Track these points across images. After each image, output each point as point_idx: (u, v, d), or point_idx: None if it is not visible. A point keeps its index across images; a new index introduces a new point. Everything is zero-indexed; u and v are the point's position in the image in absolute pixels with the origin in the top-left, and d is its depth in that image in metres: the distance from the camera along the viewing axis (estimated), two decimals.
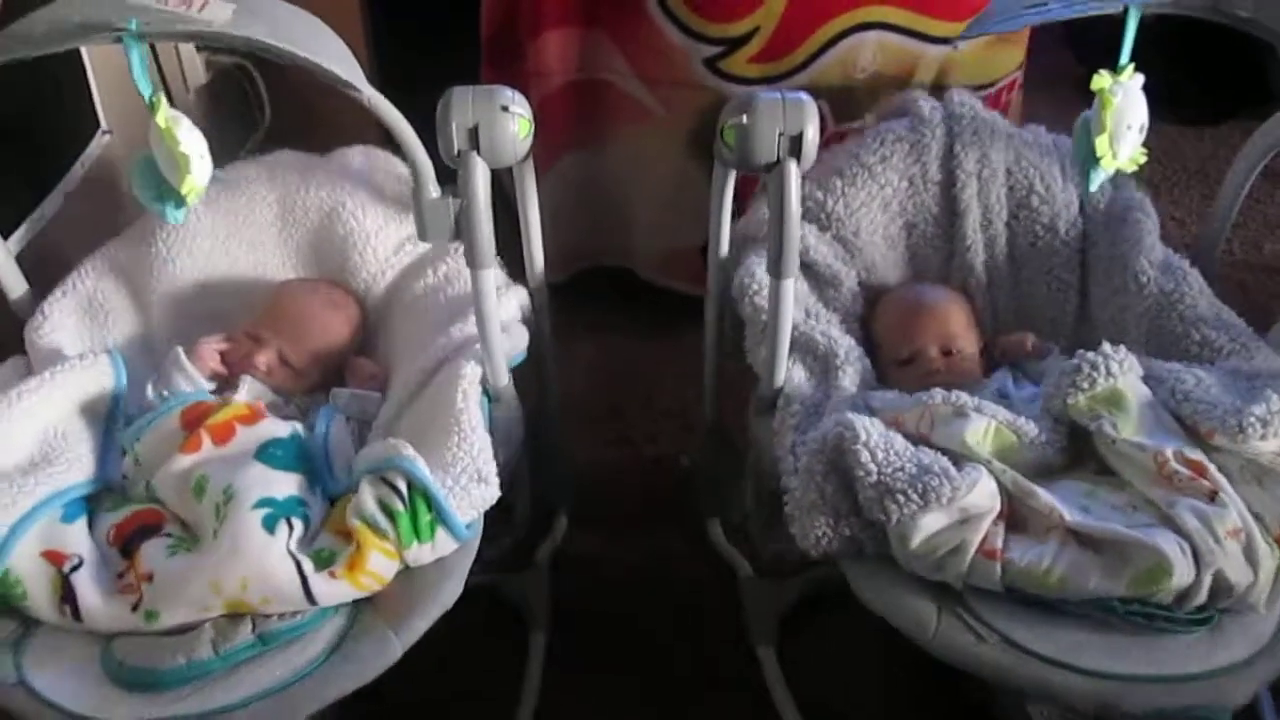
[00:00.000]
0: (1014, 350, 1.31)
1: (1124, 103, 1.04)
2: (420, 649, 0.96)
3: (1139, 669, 0.92)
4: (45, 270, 1.25)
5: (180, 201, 1.00)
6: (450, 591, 0.99)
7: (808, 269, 1.33)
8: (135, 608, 0.94)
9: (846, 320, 1.33)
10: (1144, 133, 1.06)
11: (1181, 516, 0.95)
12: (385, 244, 1.33)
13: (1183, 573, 0.92)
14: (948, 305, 1.34)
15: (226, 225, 1.33)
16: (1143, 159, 1.08)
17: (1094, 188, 1.08)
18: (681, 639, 1.49)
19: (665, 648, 1.48)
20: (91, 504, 1.06)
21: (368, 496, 0.98)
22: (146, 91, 0.94)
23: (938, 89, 1.72)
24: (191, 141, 0.97)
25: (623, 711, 1.41)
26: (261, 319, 1.27)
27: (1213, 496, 0.97)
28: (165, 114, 0.95)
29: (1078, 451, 1.10)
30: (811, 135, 1.01)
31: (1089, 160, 1.07)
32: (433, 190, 1.05)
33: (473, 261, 1.04)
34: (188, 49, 1.80)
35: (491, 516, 1.06)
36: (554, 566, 1.55)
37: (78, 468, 1.06)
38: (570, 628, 1.48)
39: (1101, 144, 1.05)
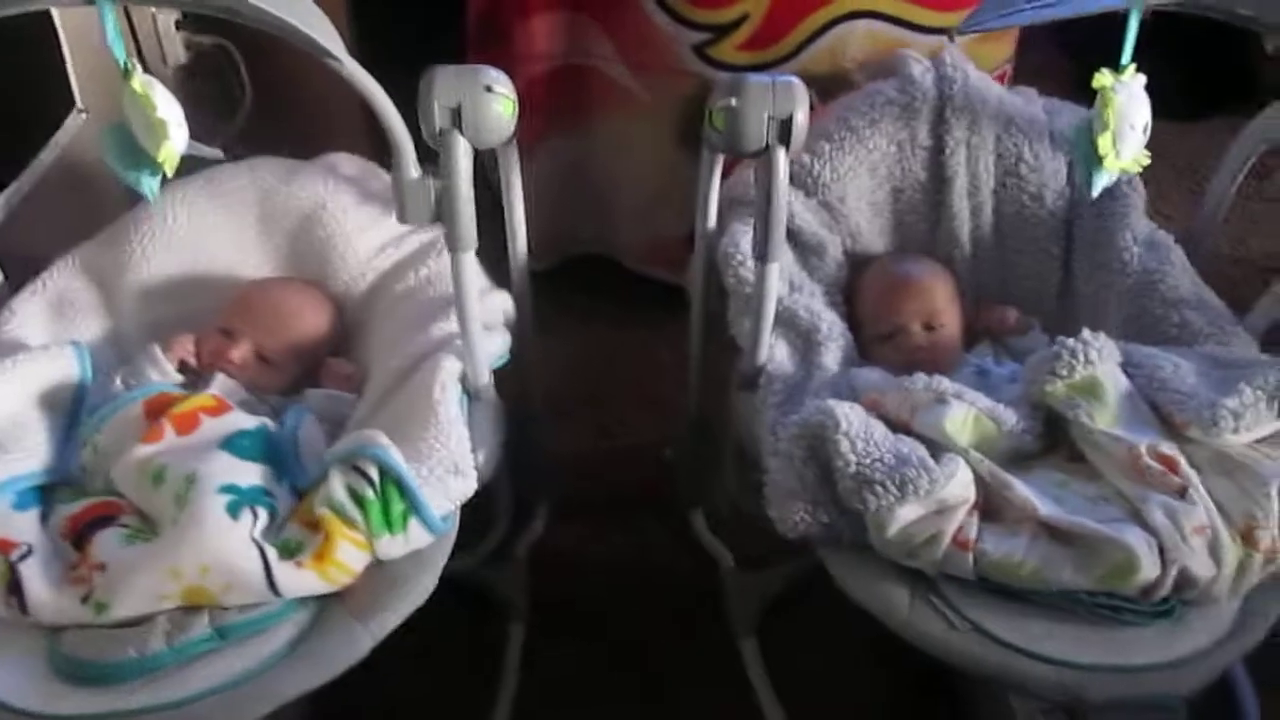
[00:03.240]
0: (996, 324, 1.31)
1: (1126, 102, 1.03)
2: (395, 642, 0.94)
3: (1101, 658, 0.94)
4: (17, 252, 1.22)
5: (156, 169, 0.97)
6: (424, 586, 0.96)
7: (792, 236, 1.31)
8: (86, 599, 0.90)
9: (830, 291, 1.33)
10: (1148, 133, 1.05)
11: (1151, 512, 0.97)
12: (366, 247, 1.31)
13: (1149, 568, 0.93)
14: (931, 280, 1.33)
15: (205, 226, 1.30)
16: (1146, 160, 1.07)
17: (1097, 191, 1.07)
18: (663, 631, 1.48)
19: (646, 640, 1.47)
20: (47, 496, 1.02)
21: (337, 484, 0.94)
22: (121, 56, 0.91)
23: None
24: (168, 107, 0.94)
25: (603, 704, 1.40)
26: (234, 312, 1.25)
27: (1182, 493, 0.98)
28: (140, 79, 0.93)
29: (1052, 437, 1.11)
30: (801, 119, 0.99)
31: (1091, 160, 1.06)
32: (413, 170, 1.02)
33: (453, 245, 1.01)
34: (167, 27, 1.77)
35: (471, 522, 1.04)
36: (533, 558, 1.53)
37: (34, 457, 1.02)
38: (550, 620, 1.47)
39: (1104, 143, 1.04)
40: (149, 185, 1.00)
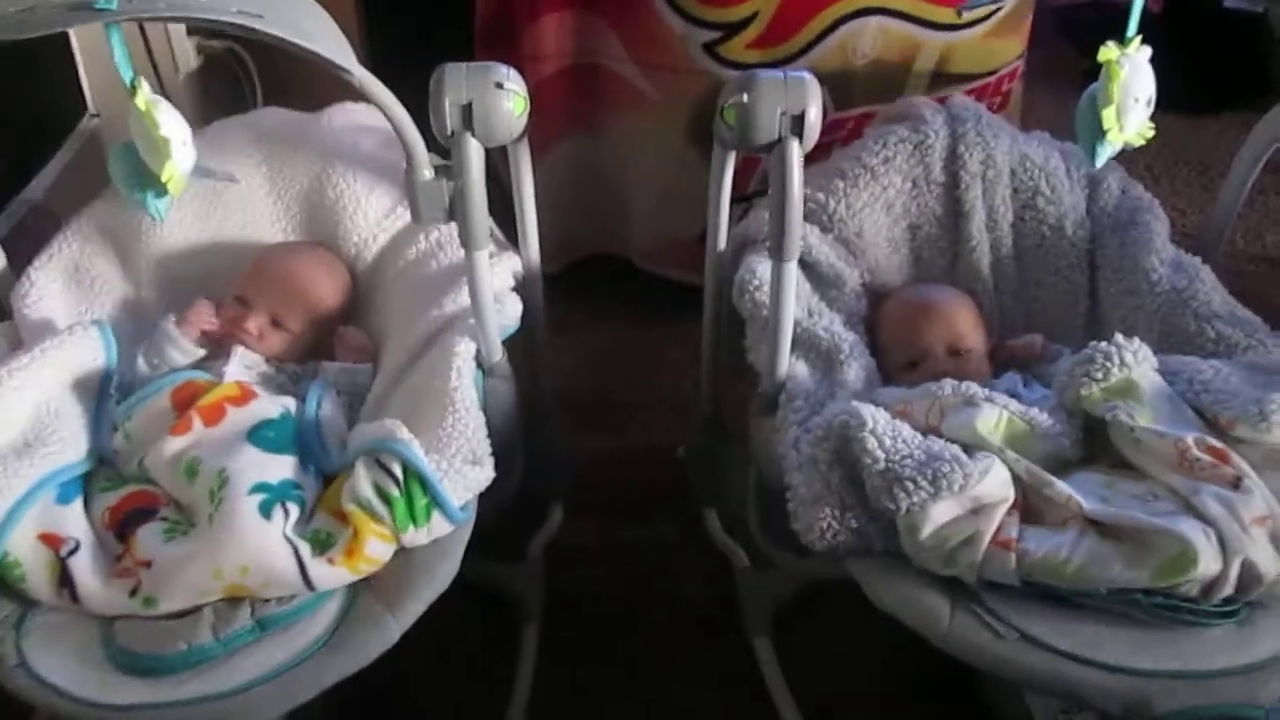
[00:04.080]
0: (1023, 354, 1.28)
1: (1131, 75, 1.01)
2: (414, 639, 0.95)
3: (1164, 664, 0.89)
4: (31, 255, 1.23)
5: (161, 190, 0.97)
6: (445, 572, 0.98)
7: (810, 269, 1.30)
8: (133, 593, 0.94)
9: (850, 321, 1.29)
10: (1151, 106, 1.03)
11: (1205, 503, 0.92)
12: (376, 209, 1.31)
13: (1209, 561, 0.88)
14: (954, 304, 1.31)
15: (214, 187, 1.30)
16: (1150, 133, 1.06)
17: (1100, 163, 1.06)
18: (677, 631, 1.48)
19: (660, 640, 1.47)
20: (85, 482, 1.05)
21: (363, 480, 0.97)
22: (127, 75, 0.91)
23: (938, 77, 1.72)
24: (173, 125, 0.94)
25: (617, 703, 1.39)
26: (248, 281, 1.26)
27: (1236, 483, 0.94)
28: (145, 96, 0.92)
29: (1092, 447, 1.07)
30: (814, 115, 0.99)
31: (1095, 134, 1.05)
32: (426, 172, 1.03)
33: (467, 243, 1.02)
34: (178, 33, 1.78)
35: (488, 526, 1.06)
36: (548, 557, 1.53)
37: (72, 446, 1.04)
38: (564, 619, 1.47)
39: (1108, 116, 1.02)
40: (154, 207, 1.00)
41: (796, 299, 1.07)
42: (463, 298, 1.15)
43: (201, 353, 1.19)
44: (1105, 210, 1.34)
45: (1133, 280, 1.27)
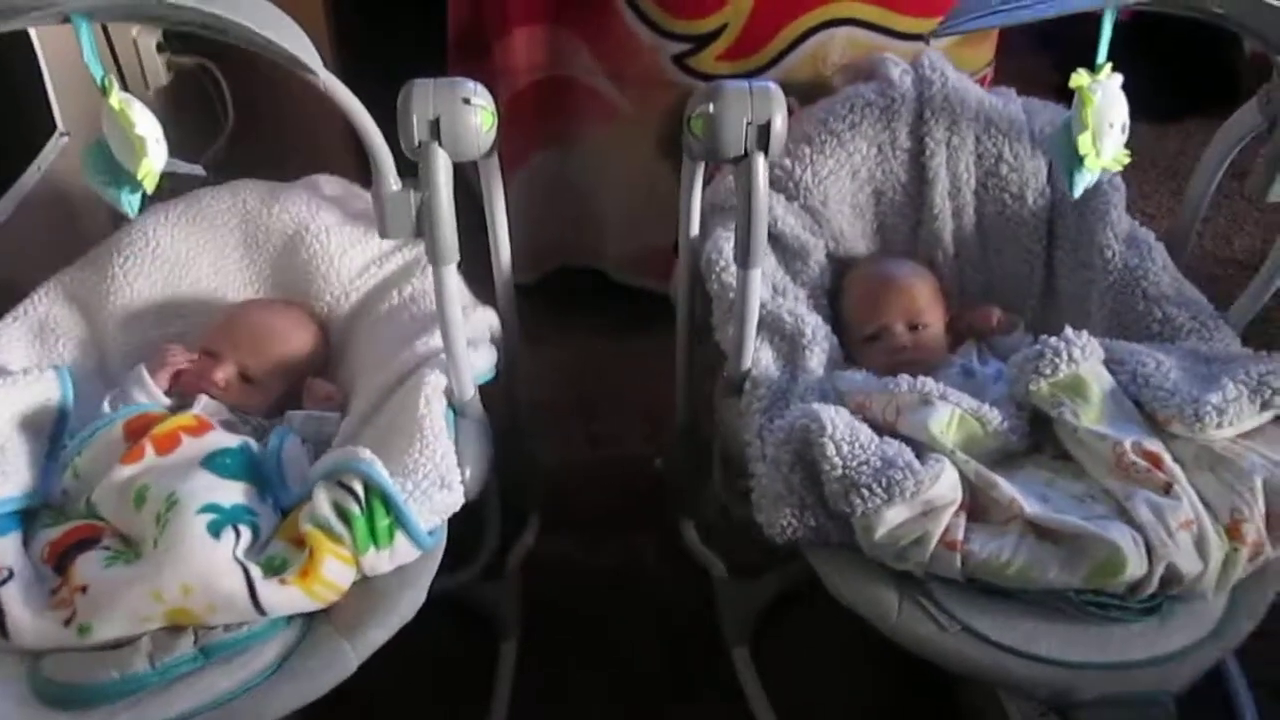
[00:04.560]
0: (980, 324, 1.32)
1: (1104, 101, 1.03)
2: (386, 658, 0.93)
3: (1090, 656, 0.94)
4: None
5: (135, 187, 0.97)
6: (411, 601, 0.95)
7: (775, 240, 1.32)
8: (68, 622, 0.89)
9: (814, 295, 1.33)
10: (1126, 132, 1.05)
11: (1136, 509, 0.97)
12: (349, 267, 1.31)
13: (1136, 566, 0.94)
14: (914, 280, 1.34)
15: (187, 249, 1.30)
16: (1126, 159, 1.07)
17: (1079, 192, 1.07)
18: (655, 641, 1.48)
19: (639, 650, 1.47)
20: (28, 521, 1.01)
21: (322, 500, 0.94)
22: (98, 73, 0.91)
23: None
24: (146, 124, 0.94)
25: (595, 716, 1.39)
26: (218, 335, 1.24)
27: (1167, 489, 0.99)
28: (118, 95, 0.92)
29: (1038, 435, 1.12)
30: (780, 125, 1.00)
31: (1073, 161, 1.06)
32: (393, 183, 1.02)
33: (434, 258, 1.01)
34: (148, 48, 1.77)
35: (461, 538, 1.04)
36: (525, 569, 1.53)
37: (14, 481, 1.01)
38: (542, 631, 1.46)
39: (1084, 142, 1.04)
40: (128, 202, 0.99)
41: (762, 275, 1.10)
42: (435, 340, 1.12)
43: (168, 401, 1.16)
44: None
45: (1088, 254, 1.30)
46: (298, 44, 0.94)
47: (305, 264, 1.31)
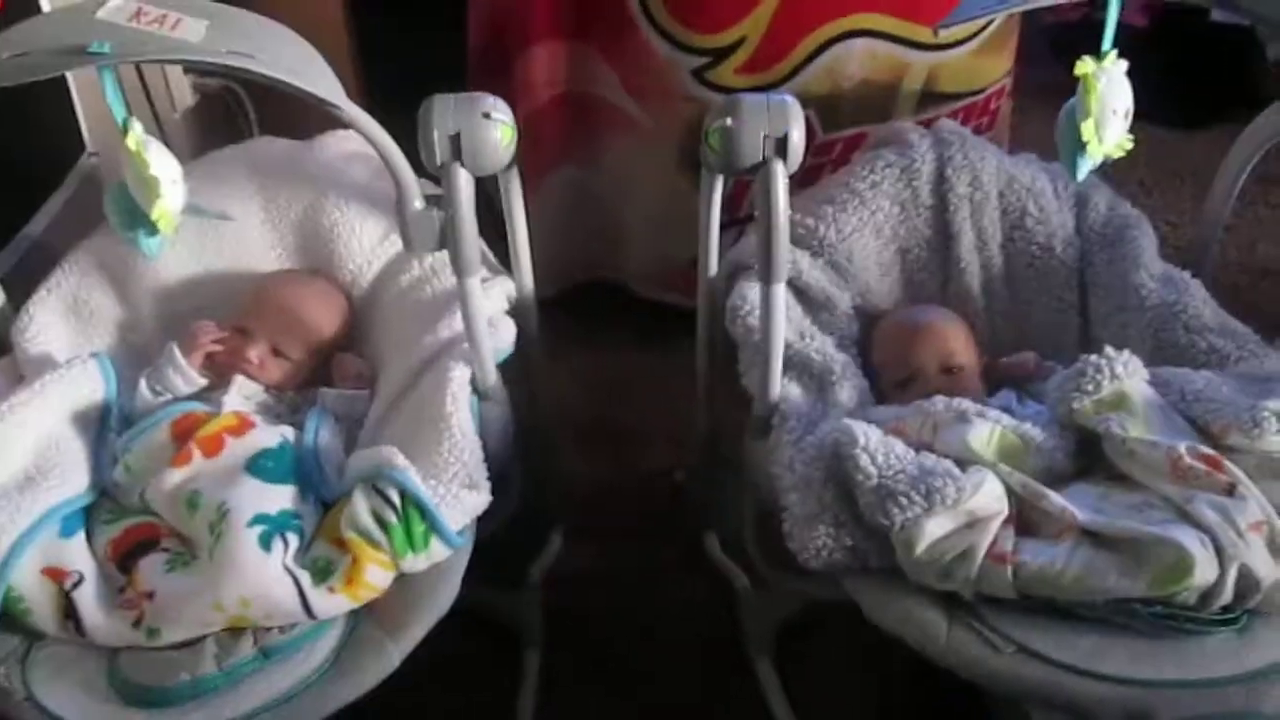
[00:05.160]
0: (1016, 372, 1.28)
1: (1108, 87, 1.03)
2: (415, 666, 0.96)
3: (1166, 673, 0.88)
4: (29, 291, 1.24)
5: (153, 229, 0.99)
6: (445, 597, 0.99)
7: (801, 293, 1.31)
8: (137, 624, 0.95)
9: (842, 343, 1.30)
10: (1129, 119, 1.05)
11: (1200, 511, 0.92)
12: (370, 235, 1.33)
13: (1205, 568, 0.88)
14: (944, 323, 1.32)
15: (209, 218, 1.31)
16: (1129, 145, 1.07)
17: (1081, 176, 1.07)
18: (678, 653, 1.48)
19: (661, 663, 1.46)
20: (88, 515, 1.06)
21: (361, 508, 0.98)
22: (120, 115, 0.93)
23: (926, 96, 1.73)
24: (163, 165, 0.96)
25: None
26: (248, 312, 1.27)
27: (1231, 490, 0.94)
28: (136, 137, 0.94)
29: (1087, 460, 1.07)
30: (797, 136, 1.00)
31: (1075, 147, 1.06)
32: (417, 202, 1.04)
33: (459, 270, 1.04)
34: (175, 72, 1.80)
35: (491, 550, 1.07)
36: (548, 583, 1.53)
37: (73, 479, 1.05)
38: (564, 644, 1.46)
39: (1087, 129, 1.04)
40: (147, 245, 1.02)
41: (788, 322, 1.08)
42: (457, 323, 1.16)
43: (204, 382, 1.20)
44: (1093, 228, 1.35)
45: (1122, 297, 1.28)
46: (322, 78, 0.97)
47: (328, 232, 1.33)
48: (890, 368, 1.29)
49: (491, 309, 1.19)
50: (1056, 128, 1.09)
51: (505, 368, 1.19)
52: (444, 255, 1.24)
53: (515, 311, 1.27)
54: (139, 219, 0.99)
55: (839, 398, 1.16)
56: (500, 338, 1.19)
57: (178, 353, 1.18)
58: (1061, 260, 1.35)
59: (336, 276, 1.34)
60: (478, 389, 1.13)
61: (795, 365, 1.19)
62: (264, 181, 1.33)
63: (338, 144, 1.39)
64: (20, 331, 1.18)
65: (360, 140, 1.35)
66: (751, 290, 1.22)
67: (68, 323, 1.24)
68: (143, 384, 1.17)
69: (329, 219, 1.32)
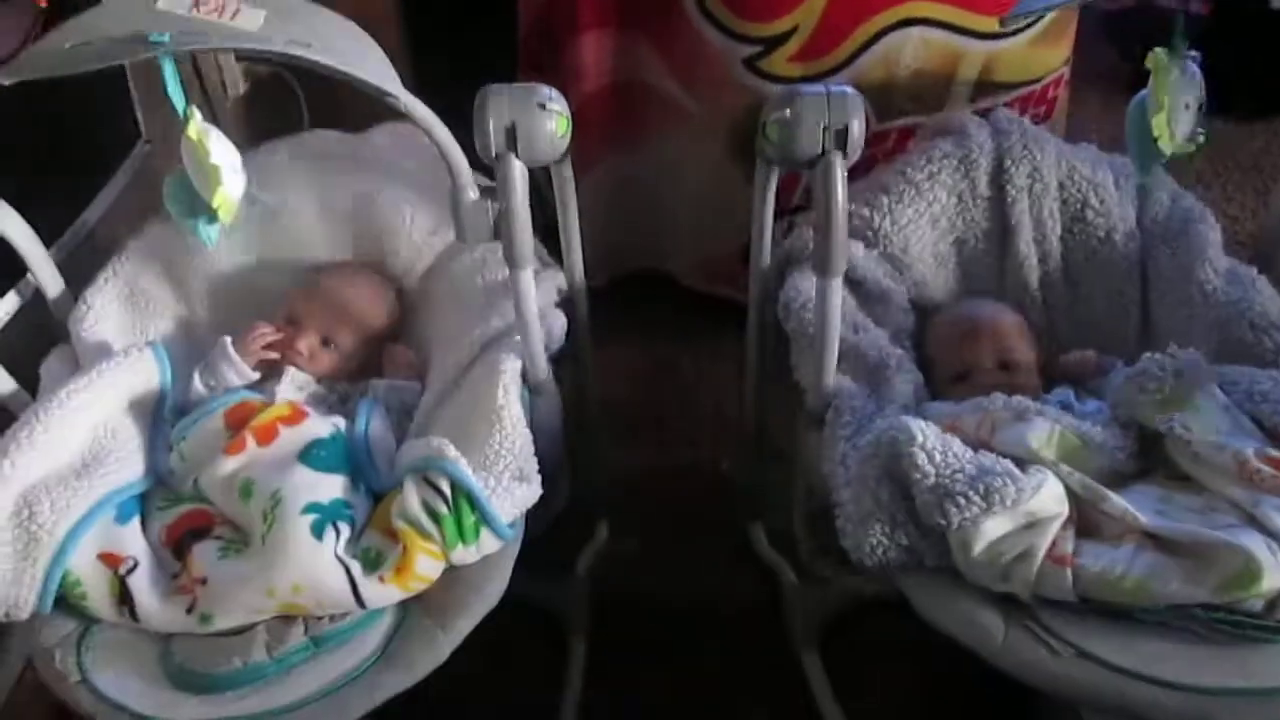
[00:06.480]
0: (1076, 369, 1.25)
1: (1179, 80, 1.00)
2: (462, 656, 0.96)
3: (1230, 681, 0.86)
4: (86, 278, 1.25)
5: (212, 217, 1.00)
6: (495, 589, 0.99)
7: (856, 286, 1.29)
8: (190, 610, 0.96)
9: (897, 336, 1.28)
10: (1202, 112, 1.02)
11: (1268, 515, 0.90)
12: (421, 227, 1.33)
13: (1274, 575, 0.86)
14: (1001, 317, 1.30)
15: (262, 209, 1.32)
16: (1201, 139, 1.04)
17: (1149, 173, 1.04)
18: (724, 646, 1.48)
19: (707, 655, 1.46)
20: (143, 501, 1.07)
21: (413, 498, 0.98)
22: (180, 105, 0.94)
23: (982, 85, 1.70)
24: (223, 153, 0.96)
25: (664, 717, 1.39)
26: (298, 303, 1.28)
27: None
28: (197, 126, 0.95)
29: (1148, 460, 1.05)
30: (857, 129, 0.98)
31: (1145, 142, 1.03)
32: (471, 193, 1.04)
33: (511, 262, 1.03)
34: (228, 59, 1.82)
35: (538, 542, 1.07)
36: (594, 574, 1.53)
37: (129, 465, 1.07)
38: (611, 635, 1.47)
39: (1159, 123, 1.01)
40: (205, 233, 1.03)
41: (842, 316, 1.06)
42: (508, 314, 1.16)
43: (256, 376, 1.21)
44: (1156, 221, 1.32)
45: (1185, 291, 1.24)
46: (378, 67, 0.97)
47: (380, 223, 1.34)
48: (946, 363, 1.27)
49: (542, 302, 1.19)
50: (1127, 120, 1.07)
51: (554, 359, 1.19)
52: (495, 246, 1.25)
53: (566, 302, 1.27)
54: (199, 207, 1.00)
55: (894, 392, 1.14)
56: (551, 332, 1.19)
57: (230, 347, 1.19)
58: (1123, 254, 1.32)
59: (387, 268, 1.34)
60: (528, 382, 1.13)
61: (849, 358, 1.17)
62: (317, 174, 1.34)
63: (390, 136, 1.39)
64: (78, 320, 1.20)
65: (411, 132, 1.36)
66: (805, 283, 1.20)
67: (124, 312, 1.25)
68: (196, 378, 1.18)
69: (381, 211, 1.33)
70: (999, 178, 1.34)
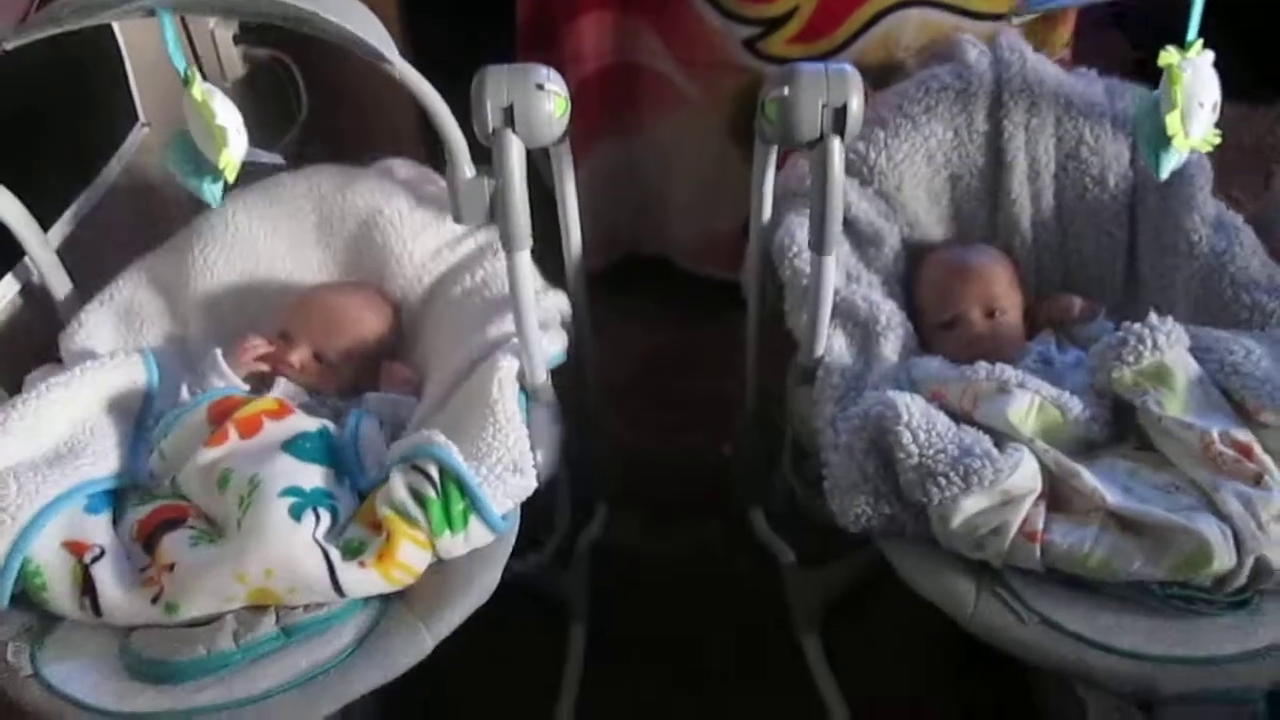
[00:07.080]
0: (1059, 313, 1.29)
1: (1194, 79, 1.00)
2: (457, 640, 0.94)
3: (1175, 650, 0.92)
4: (85, 265, 1.25)
5: (217, 176, 1.00)
6: (486, 584, 0.96)
7: (849, 226, 1.30)
8: (156, 600, 0.92)
9: (888, 281, 1.31)
10: (1217, 111, 1.01)
11: (1225, 500, 0.95)
12: (422, 250, 1.32)
13: (1224, 558, 0.91)
14: (991, 266, 1.31)
15: (264, 234, 1.33)
16: (1216, 139, 1.03)
17: (1166, 173, 1.04)
18: (724, 628, 1.48)
19: (707, 638, 1.47)
20: (118, 501, 1.04)
21: (399, 484, 0.95)
22: (180, 65, 0.94)
23: None
24: (227, 114, 0.97)
25: (664, 702, 1.40)
26: (292, 317, 1.27)
27: (1258, 480, 0.96)
28: (200, 87, 0.95)
29: (1120, 426, 1.09)
30: (856, 108, 0.98)
31: (1159, 141, 1.03)
32: (468, 170, 1.03)
33: (508, 244, 1.02)
34: (225, 41, 1.80)
35: (532, 523, 1.05)
36: (593, 556, 1.53)
37: (104, 462, 1.05)
38: (610, 618, 1.47)
39: (1173, 122, 1.01)
40: (210, 192, 1.02)
41: (835, 261, 1.08)
42: (507, 325, 1.14)
43: (246, 388, 1.19)
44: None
45: (1172, 239, 1.27)
46: (373, 32, 0.96)
47: (380, 247, 1.33)
48: (934, 310, 1.29)
49: (543, 318, 1.17)
50: (1137, 118, 1.07)
51: (556, 372, 1.17)
52: (495, 268, 1.25)
53: (565, 284, 1.26)
54: (203, 167, 1.00)
55: (883, 350, 1.17)
56: (551, 344, 1.16)
57: (220, 358, 1.18)
58: (1114, 194, 1.33)
59: (387, 289, 1.33)
60: (526, 388, 1.11)
61: (841, 313, 1.19)
62: (320, 201, 1.34)
63: (394, 169, 1.39)
64: (69, 336, 1.19)
65: (415, 170, 1.38)
66: (801, 230, 1.20)
67: (117, 330, 1.24)
68: (184, 391, 1.16)
69: (382, 235, 1.32)
70: (996, 112, 1.34)
